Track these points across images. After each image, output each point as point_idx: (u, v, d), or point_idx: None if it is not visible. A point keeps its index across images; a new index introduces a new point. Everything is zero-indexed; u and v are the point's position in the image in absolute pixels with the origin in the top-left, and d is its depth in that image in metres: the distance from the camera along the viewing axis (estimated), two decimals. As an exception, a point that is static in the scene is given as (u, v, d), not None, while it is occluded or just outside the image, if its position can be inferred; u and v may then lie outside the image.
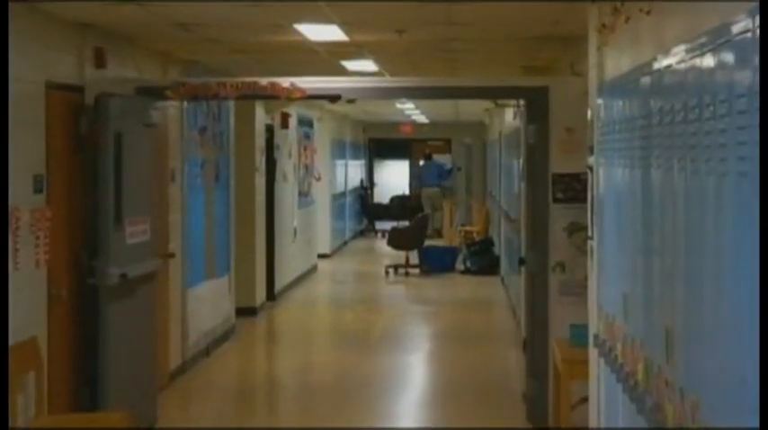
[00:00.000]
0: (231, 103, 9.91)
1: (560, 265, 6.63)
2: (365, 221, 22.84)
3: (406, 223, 18.18)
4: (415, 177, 23.75)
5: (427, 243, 15.80)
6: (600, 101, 4.48)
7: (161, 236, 7.30)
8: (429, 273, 15.04)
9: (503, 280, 13.58)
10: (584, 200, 5.05)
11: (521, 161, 8.75)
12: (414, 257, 15.38)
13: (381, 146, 25.52)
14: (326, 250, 17.00)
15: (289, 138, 13.15)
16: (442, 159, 22.15)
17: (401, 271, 15.20)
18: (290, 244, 13.18)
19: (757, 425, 2.02)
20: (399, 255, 15.68)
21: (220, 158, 9.55)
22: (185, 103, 8.17)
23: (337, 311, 12.09)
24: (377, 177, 26.03)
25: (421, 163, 22.27)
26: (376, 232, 22.31)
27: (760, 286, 2.04)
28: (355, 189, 21.71)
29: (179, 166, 8.15)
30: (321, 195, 16.43)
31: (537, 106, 6.74)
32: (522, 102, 8.19)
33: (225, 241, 9.70)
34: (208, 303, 9.02)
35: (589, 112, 4.85)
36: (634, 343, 3.51)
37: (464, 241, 16.56)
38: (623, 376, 3.62)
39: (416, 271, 15.21)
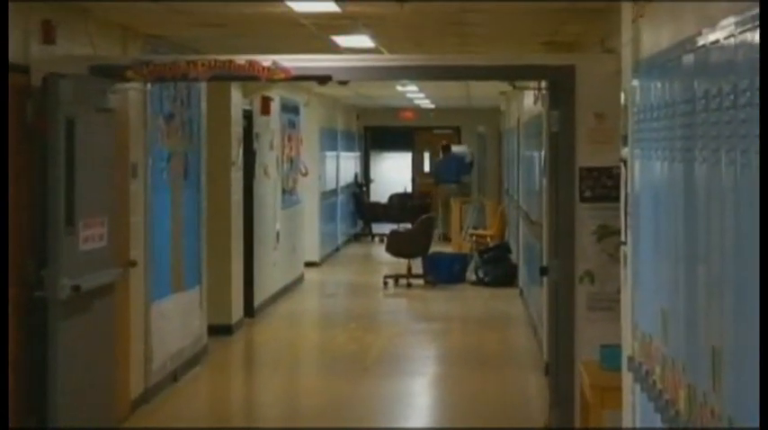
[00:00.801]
0: (203, 86, 9.93)
1: (589, 275, 6.65)
2: (360, 224, 22.85)
3: (408, 226, 18.20)
4: (431, 173, 23.72)
5: (433, 249, 15.83)
6: (635, 82, 4.49)
7: (120, 241, 7.32)
8: (435, 285, 15.07)
9: (521, 292, 13.61)
10: (617, 198, 5.07)
11: (542, 153, 8.76)
12: (417, 266, 15.41)
13: (379, 135, 25.55)
14: (315, 258, 17.04)
15: (270, 127, 13.17)
16: (461, 149, 22.13)
17: (402, 282, 15.23)
18: (271, 250, 13.20)
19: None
20: (400, 264, 15.69)
21: (190, 150, 9.57)
22: (149, 86, 8.19)
23: (328, 330, 12.10)
24: (374, 172, 26.04)
25: (437, 155, 22.01)
26: (373, 236, 22.33)
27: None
28: (348, 186, 21.73)
29: (142, 160, 8.17)
30: (308, 193, 16.46)
31: (561, 89, 6.75)
32: (543, 83, 8.20)
33: (195, 247, 9.72)
34: (175, 320, 9.03)
35: (622, 96, 4.87)
36: (675, 366, 3.52)
37: (476, 247, 16.58)
38: (662, 405, 3.63)
39: (420, 282, 15.24)
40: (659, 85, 3.94)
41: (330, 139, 19.02)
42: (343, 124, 21.04)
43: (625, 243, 4.75)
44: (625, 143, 4.73)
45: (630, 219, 4.61)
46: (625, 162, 4.73)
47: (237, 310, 11.43)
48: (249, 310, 11.99)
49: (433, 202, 22.28)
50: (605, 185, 6.60)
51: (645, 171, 4.24)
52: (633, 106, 4.53)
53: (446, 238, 20.58)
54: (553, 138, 6.89)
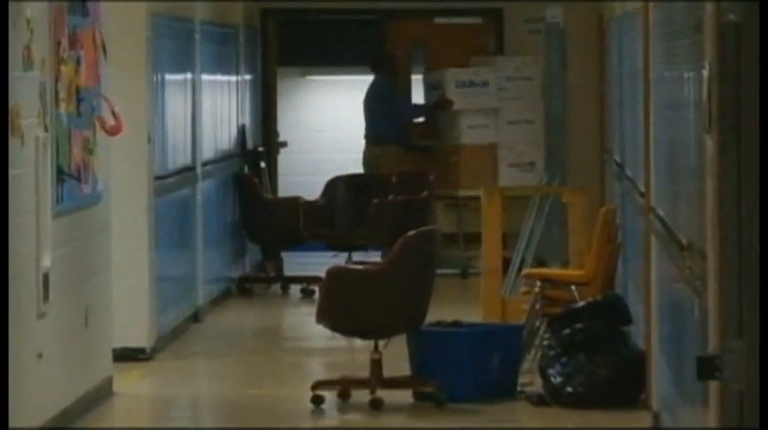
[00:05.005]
0: None
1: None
2: (253, 253, 23.20)
3: (375, 256, 18.20)
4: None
5: (434, 315, 15.88)
6: None
7: None
8: (442, 404, 15.13)
9: (657, 420, 13.67)
10: None
11: (704, 82, 8.77)
12: (395, 357, 15.41)
13: (299, 34, 25.83)
14: (140, 340, 17.30)
15: (24, 14, 13.12)
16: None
17: (359, 398, 15.28)
18: (31, 322, 13.15)
19: None
20: (352, 353, 15.72)
21: None
22: None
23: None
24: (287, 124, 26.46)
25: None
26: (285, 284, 22.75)
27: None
28: (225, 159, 22.20)
29: None
30: (124, 178, 16.69)
31: None
32: None
33: None
34: None
35: None
36: None
37: (542, 309, 16.60)
38: None
39: (406, 396, 15.35)
40: None
41: (176, 45, 19.36)
42: (209, 8, 21.24)
43: None
44: None
45: None
46: None
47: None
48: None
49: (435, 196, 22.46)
50: None
51: None
52: None
53: (464, 275, 20.75)
54: (729, 40, 6.93)
